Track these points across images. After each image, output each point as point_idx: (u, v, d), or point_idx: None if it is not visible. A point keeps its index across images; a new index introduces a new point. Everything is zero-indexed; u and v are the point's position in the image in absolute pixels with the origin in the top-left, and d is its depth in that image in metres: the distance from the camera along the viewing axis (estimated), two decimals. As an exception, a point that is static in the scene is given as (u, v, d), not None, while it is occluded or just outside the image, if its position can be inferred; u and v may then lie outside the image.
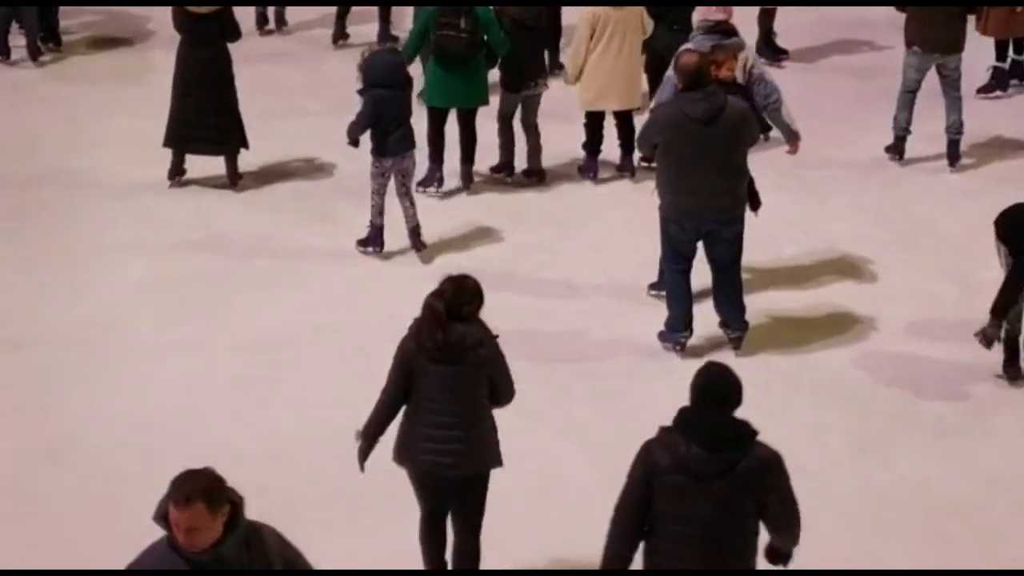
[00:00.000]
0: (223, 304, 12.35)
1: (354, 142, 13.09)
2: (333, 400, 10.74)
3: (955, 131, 14.67)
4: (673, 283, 11.76)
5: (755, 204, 12.39)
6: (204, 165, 14.25)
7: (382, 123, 12.98)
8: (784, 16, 16.91)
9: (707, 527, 7.53)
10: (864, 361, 11.80)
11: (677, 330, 11.67)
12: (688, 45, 12.62)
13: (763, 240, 12.54)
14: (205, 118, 13.88)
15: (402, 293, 12.21)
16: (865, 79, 16.66)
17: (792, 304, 12.31)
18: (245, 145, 14.15)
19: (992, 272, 11.92)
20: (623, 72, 14.14)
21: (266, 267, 13.06)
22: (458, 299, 8.48)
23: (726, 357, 11.18)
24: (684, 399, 7.83)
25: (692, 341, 11.72)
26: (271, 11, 18.57)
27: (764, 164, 12.96)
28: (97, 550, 9.08)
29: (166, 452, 10.02)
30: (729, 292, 11.88)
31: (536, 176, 14.82)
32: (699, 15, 13.37)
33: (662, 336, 11.72)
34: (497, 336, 8.66)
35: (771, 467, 7.57)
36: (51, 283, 12.63)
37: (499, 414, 8.82)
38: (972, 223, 13.23)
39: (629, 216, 13.60)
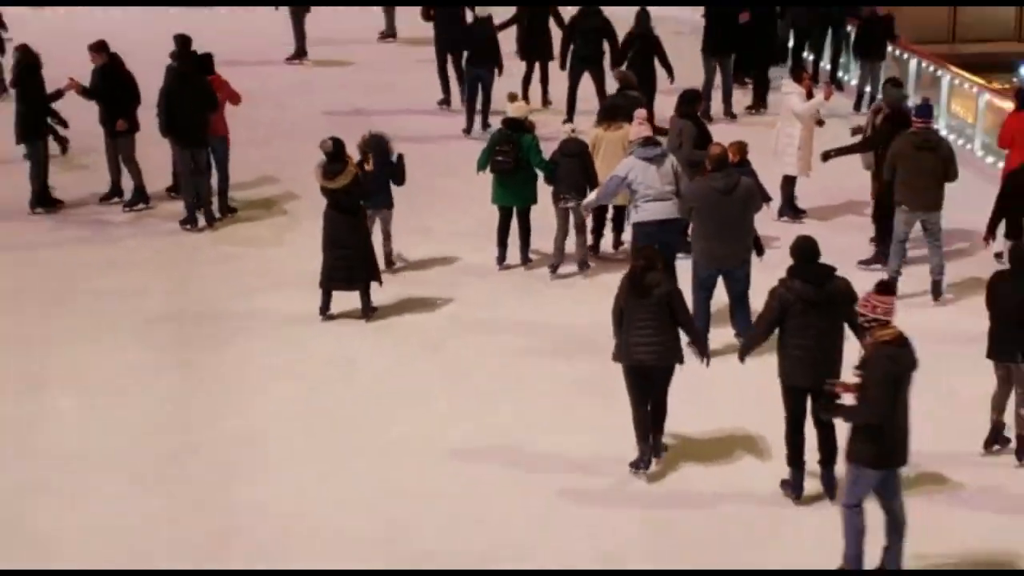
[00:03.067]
0: (354, 422, 12.36)
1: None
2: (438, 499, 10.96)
3: (937, 272, 14.69)
4: (698, 307, 13.01)
5: (760, 251, 13.64)
6: (347, 302, 14.28)
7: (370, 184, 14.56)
8: (803, 184, 16.89)
9: (821, 333, 10.60)
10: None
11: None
12: (642, 150, 13.93)
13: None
14: (342, 262, 14.00)
15: (503, 409, 12.64)
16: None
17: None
18: (377, 280, 14.25)
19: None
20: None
21: (391, 388, 13.02)
22: (651, 263, 11.18)
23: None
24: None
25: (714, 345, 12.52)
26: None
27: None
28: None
29: (313, 540, 10.52)
30: (742, 313, 13.25)
31: (583, 266, 15.45)
32: (632, 135, 14.37)
33: None
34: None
35: (849, 288, 10.73)
36: (216, 401, 12.76)
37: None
38: (949, 337, 13.37)
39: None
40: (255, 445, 11.91)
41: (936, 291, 14.63)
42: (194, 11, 26.61)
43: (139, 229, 16.83)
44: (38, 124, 16.99)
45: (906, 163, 14.40)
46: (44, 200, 17.21)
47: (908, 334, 9.73)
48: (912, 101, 18.39)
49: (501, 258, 15.57)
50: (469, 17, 20.91)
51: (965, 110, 19.72)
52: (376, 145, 15.03)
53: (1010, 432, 11.54)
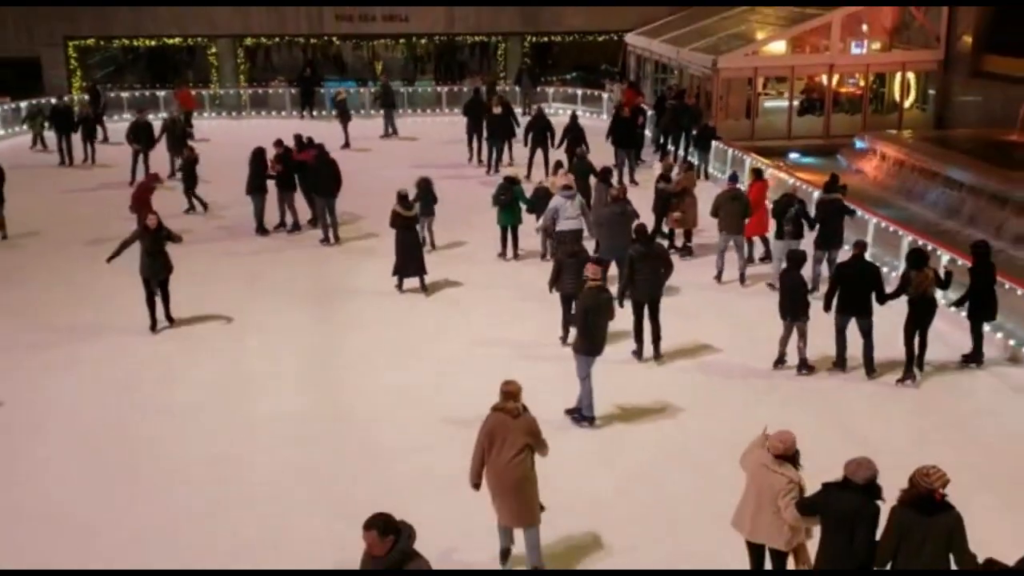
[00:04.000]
0: (415, 344, 12.31)
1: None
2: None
3: (743, 268, 14.66)
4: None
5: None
6: (410, 283, 14.26)
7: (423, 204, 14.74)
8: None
9: (652, 272, 11.26)
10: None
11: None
12: (563, 191, 13.80)
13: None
14: (407, 261, 14.03)
15: (498, 330, 12.59)
16: (709, 239, 15.58)
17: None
18: (425, 272, 14.13)
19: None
20: None
21: (435, 325, 12.96)
22: (577, 243, 11.94)
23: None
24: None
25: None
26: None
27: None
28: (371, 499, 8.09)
29: (396, 413, 10.36)
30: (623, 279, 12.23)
31: (546, 256, 15.04)
32: (559, 183, 14.33)
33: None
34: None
35: (663, 249, 11.63)
36: (338, 337, 12.69)
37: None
38: (754, 303, 13.50)
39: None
40: (361, 360, 11.87)
41: (742, 279, 14.62)
42: (291, 120, 26.39)
43: (298, 244, 16.78)
44: (260, 185, 16.70)
45: (724, 208, 14.43)
46: (261, 229, 17.13)
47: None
48: (728, 172, 18.23)
49: (502, 253, 15.61)
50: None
51: (758, 178, 20.09)
52: (424, 183, 15.32)
53: (789, 358, 11.55)
